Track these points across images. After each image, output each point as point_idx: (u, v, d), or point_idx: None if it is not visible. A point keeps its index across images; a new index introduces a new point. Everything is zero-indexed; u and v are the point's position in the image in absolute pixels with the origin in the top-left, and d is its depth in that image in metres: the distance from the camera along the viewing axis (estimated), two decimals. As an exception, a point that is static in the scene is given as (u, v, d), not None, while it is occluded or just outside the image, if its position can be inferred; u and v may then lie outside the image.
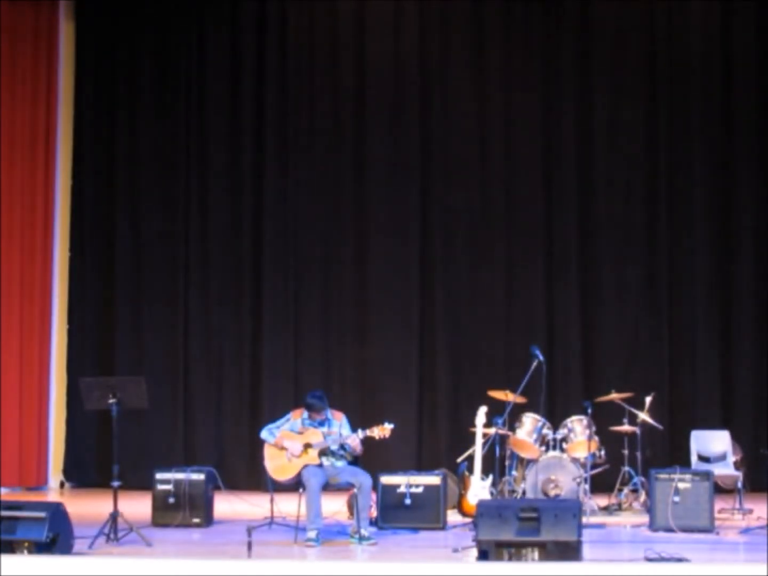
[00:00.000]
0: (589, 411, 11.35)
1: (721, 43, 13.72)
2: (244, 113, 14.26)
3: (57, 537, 8.32)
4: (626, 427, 11.61)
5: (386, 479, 10.47)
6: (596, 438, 11.40)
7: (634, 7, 13.78)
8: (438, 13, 14.05)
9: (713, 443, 11.71)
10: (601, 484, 11.89)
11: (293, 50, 14.24)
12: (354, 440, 9.55)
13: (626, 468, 11.59)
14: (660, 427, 11.78)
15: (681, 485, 10.21)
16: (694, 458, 11.62)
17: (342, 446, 9.63)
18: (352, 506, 9.96)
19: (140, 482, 12.12)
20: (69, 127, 14.42)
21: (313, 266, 14.13)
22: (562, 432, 11.39)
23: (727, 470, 11.38)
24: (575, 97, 13.89)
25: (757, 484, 12.12)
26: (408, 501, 10.36)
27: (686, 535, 9.87)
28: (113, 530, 9.19)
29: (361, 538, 9.33)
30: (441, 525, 10.34)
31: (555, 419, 11.68)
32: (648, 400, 11.58)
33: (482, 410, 11.03)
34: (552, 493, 11.01)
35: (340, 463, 9.64)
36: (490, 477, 10.87)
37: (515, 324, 13.78)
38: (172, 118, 14.35)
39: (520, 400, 11.41)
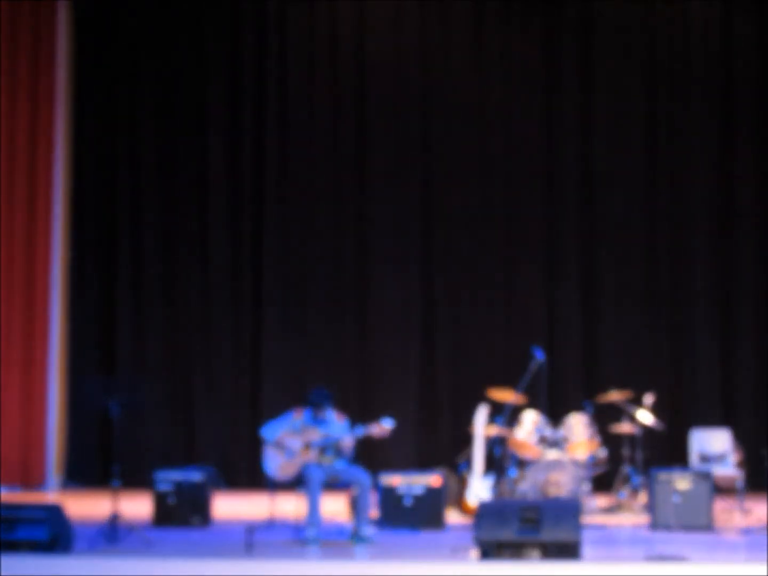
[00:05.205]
0: (589, 411, 11.35)
1: (722, 42, 13.73)
2: (245, 112, 14.25)
3: (57, 537, 8.34)
4: (626, 427, 11.62)
5: (386, 479, 10.47)
6: (596, 438, 11.41)
7: (635, 5, 13.78)
8: (438, 13, 14.05)
9: (713, 443, 11.71)
10: (601, 484, 11.90)
11: (293, 50, 14.24)
12: (347, 441, 9.53)
13: (626, 468, 11.60)
14: (660, 427, 11.78)
15: (681, 485, 10.22)
16: (694, 458, 11.62)
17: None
18: (352, 506, 9.96)
19: (140, 482, 12.12)
20: (69, 127, 14.40)
21: (313, 266, 14.12)
22: (562, 432, 11.40)
23: (727, 470, 11.39)
24: (576, 97, 13.89)
25: (757, 484, 12.11)
26: (408, 501, 10.36)
27: (686, 534, 9.87)
28: (113, 530, 9.19)
29: (361, 538, 9.34)
30: (441, 525, 10.34)
31: (555, 419, 11.69)
32: (648, 400, 11.59)
33: (482, 410, 11.04)
34: (552, 493, 11.01)
35: (340, 463, 9.65)
36: (490, 477, 10.88)
37: (515, 324, 13.79)
38: (173, 117, 14.34)
39: (520, 400, 11.41)
